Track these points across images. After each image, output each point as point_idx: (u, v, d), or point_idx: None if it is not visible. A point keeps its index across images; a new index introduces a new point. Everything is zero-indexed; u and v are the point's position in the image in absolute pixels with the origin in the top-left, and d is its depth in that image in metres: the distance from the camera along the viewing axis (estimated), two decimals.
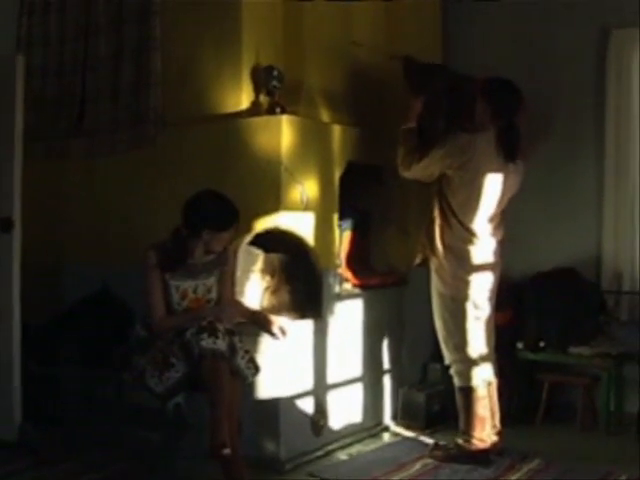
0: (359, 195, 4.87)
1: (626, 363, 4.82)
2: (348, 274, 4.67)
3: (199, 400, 3.64)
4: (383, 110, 4.88)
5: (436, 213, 4.28)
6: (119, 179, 4.88)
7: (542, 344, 4.94)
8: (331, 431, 4.41)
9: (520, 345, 4.98)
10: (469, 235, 4.20)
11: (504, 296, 4.70)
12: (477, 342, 4.24)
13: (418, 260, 4.44)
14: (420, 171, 4.30)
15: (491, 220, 4.27)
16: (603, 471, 4.02)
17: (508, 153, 4.21)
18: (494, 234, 4.29)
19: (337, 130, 4.51)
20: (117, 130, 4.87)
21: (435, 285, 4.33)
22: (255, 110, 4.38)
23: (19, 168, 4.25)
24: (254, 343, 4.00)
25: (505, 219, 4.38)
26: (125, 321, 4.53)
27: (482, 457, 4.16)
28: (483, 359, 4.24)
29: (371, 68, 4.90)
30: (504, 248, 4.37)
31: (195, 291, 3.89)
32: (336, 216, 4.49)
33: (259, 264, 4.35)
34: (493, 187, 4.20)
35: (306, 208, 4.25)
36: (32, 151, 4.70)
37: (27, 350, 4.34)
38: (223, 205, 3.81)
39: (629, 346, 4.80)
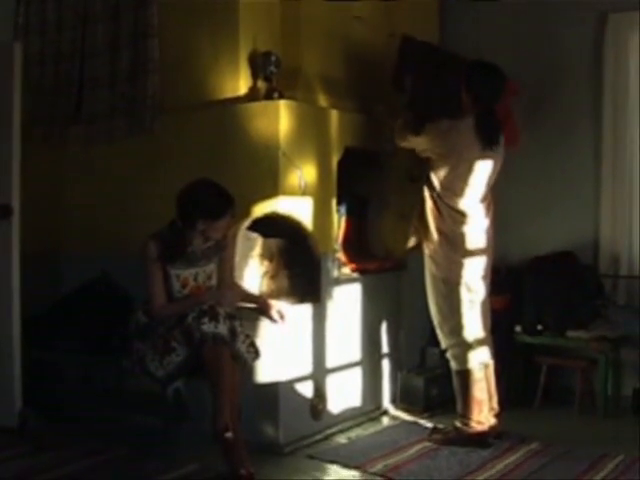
0: (357, 180, 4.88)
1: (623, 346, 4.85)
2: (346, 259, 4.69)
3: (198, 386, 3.66)
4: (381, 95, 4.88)
5: (426, 197, 4.28)
6: (117, 166, 4.87)
7: (540, 328, 4.96)
8: (330, 415, 4.43)
9: (518, 329, 5.00)
10: (460, 217, 4.21)
11: (502, 280, 4.73)
12: (472, 325, 4.25)
13: (412, 243, 4.43)
14: (414, 145, 4.35)
15: (483, 200, 4.26)
16: (600, 453, 4.04)
17: (487, 140, 4.16)
18: (485, 214, 4.28)
19: (335, 115, 4.52)
20: (115, 117, 4.87)
21: (429, 269, 4.34)
22: (253, 95, 4.38)
23: (17, 155, 4.25)
24: (253, 327, 4.01)
25: (497, 201, 4.38)
26: (124, 308, 4.54)
27: (480, 439, 4.18)
28: (479, 342, 4.26)
29: (369, 53, 4.91)
30: (497, 229, 4.37)
31: (196, 279, 3.89)
32: (334, 201, 4.50)
33: (257, 249, 4.36)
34: (478, 171, 4.18)
35: (304, 193, 4.25)
36: (30, 139, 4.71)
37: (27, 337, 4.35)
38: (214, 194, 3.79)
39: (626, 329, 4.84)
